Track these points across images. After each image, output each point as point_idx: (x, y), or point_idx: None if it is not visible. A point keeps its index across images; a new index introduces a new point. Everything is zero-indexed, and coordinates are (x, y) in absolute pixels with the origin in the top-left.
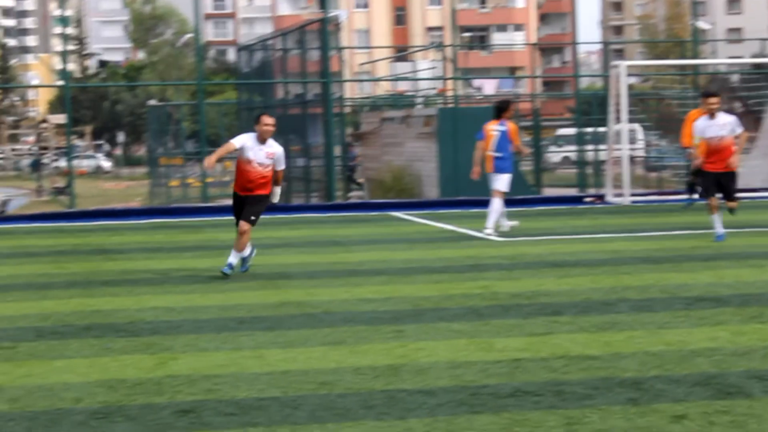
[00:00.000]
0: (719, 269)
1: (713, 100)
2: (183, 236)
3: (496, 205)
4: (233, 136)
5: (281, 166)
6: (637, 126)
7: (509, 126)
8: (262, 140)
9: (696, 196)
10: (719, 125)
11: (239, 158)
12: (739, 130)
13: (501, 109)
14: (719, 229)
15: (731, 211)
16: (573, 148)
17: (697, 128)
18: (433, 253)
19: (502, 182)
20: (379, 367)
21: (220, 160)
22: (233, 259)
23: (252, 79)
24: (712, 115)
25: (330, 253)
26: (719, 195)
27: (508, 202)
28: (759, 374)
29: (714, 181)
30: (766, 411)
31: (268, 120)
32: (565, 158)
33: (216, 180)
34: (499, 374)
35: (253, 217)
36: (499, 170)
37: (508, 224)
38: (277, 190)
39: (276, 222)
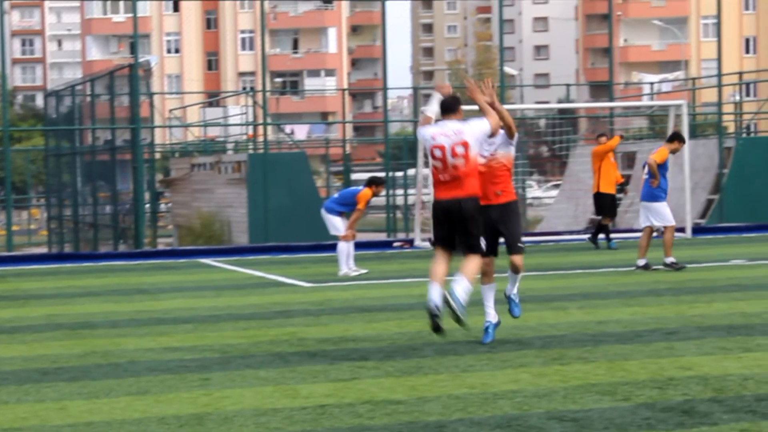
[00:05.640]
0: (522, 312)
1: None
2: None
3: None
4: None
5: None
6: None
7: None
8: None
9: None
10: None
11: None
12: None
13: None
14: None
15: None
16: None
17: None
18: (241, 299)
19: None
20: (184, 416)
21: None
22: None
23: (60, 125)
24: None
25: (136, 301)
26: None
27: (319, 247)
28: (558, 415)
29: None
30: None
31: None
32: None
33: (22, 228)
34: (304, 421)
35: None
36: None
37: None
38: None
39: (80, 270)
